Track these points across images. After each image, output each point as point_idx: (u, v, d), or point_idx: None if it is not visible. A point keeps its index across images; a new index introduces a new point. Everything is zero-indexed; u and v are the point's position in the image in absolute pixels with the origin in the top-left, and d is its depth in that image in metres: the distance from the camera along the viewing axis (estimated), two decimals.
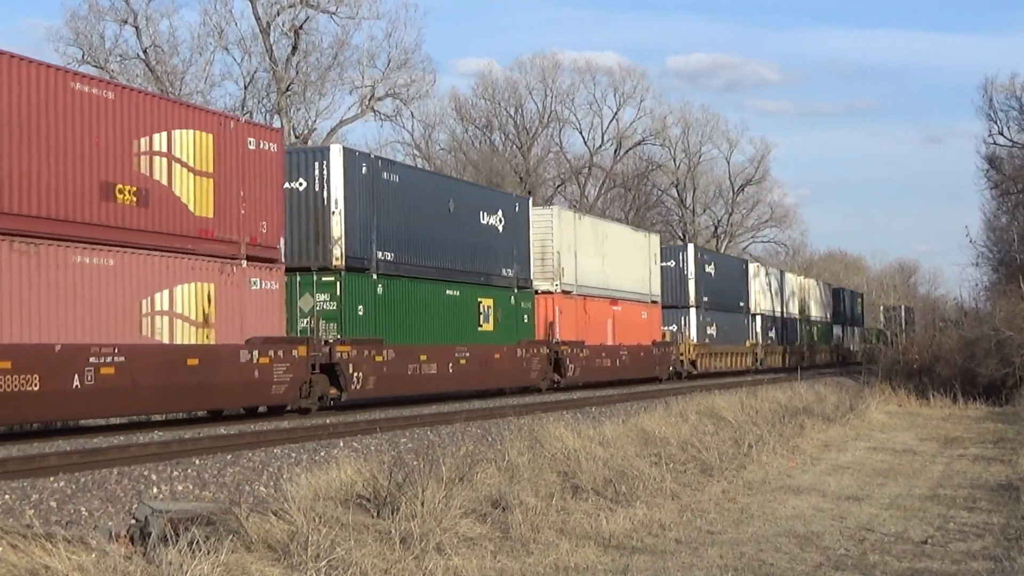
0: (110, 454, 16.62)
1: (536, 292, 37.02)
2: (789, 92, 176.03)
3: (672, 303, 49.93)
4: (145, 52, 53.36)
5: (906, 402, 33.57)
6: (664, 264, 49.02)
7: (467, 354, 31.30)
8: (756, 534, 12.25)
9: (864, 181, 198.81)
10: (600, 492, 13.59)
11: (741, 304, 58.44)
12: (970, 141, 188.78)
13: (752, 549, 11.39)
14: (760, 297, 61.21)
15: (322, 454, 17.67)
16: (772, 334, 63.50)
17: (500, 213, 34.82)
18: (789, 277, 70.47)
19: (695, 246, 54.74)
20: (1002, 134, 56.01)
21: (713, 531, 12.37)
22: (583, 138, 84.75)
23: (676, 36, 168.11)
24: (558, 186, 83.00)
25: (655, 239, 48.97)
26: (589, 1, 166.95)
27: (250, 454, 17.21)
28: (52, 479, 14.03)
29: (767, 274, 64.51)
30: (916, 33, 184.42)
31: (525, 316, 35.98)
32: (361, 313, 27.34)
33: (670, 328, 49.25)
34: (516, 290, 35.31)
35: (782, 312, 66.41)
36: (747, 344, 58.41)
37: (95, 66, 50.65)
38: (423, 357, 29.13)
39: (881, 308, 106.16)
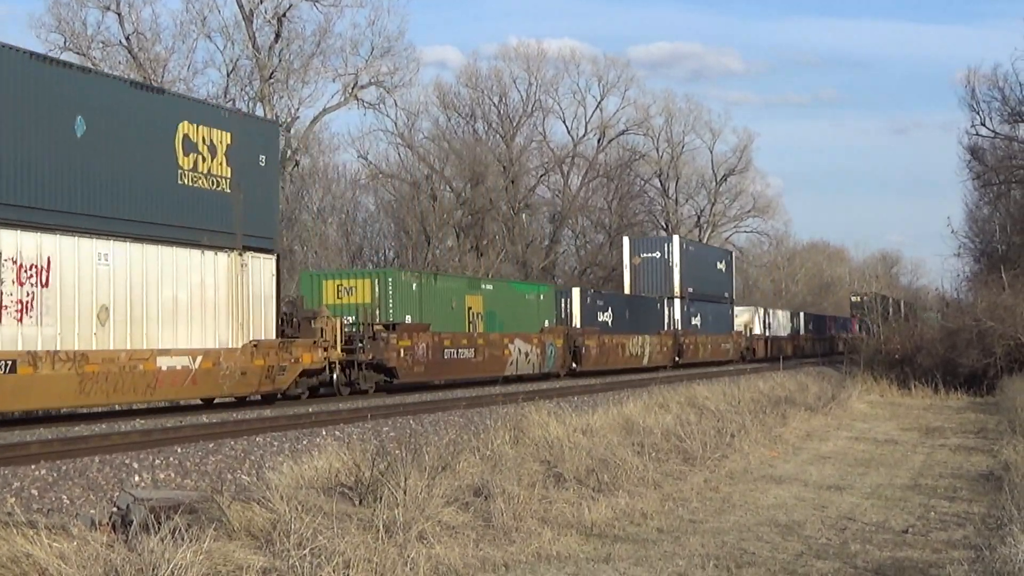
0: (92, 442, 16.57)
1: None
2: (753, 82, 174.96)
3: None
4: (128, 39, 53.08)
5: (888, 392, 33.72)
6: None
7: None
8: (738, 523, 12.29)
9: (835, 171, 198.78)
10: (583, 481, 13.60)
11: None
12: (939, 132, 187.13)
13: (734, 538, 11.42)
14: None
15: (304, 443, 17.65)
16: None
17: None
18: None
19: None
20: (984, 125, 55.97)
21: (695, 520, 12.40)
22: (566, 127, 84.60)
23: (636, 24, 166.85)
24: (541, 175, 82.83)
25: None
26: None
27: (232, 442, 17.17)
28: (34, 467, 13.98)
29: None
30: (881, 22, 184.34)
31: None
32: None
33: None
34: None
35: None
36: None
37: (77, 53, 50.34)
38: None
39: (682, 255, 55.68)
